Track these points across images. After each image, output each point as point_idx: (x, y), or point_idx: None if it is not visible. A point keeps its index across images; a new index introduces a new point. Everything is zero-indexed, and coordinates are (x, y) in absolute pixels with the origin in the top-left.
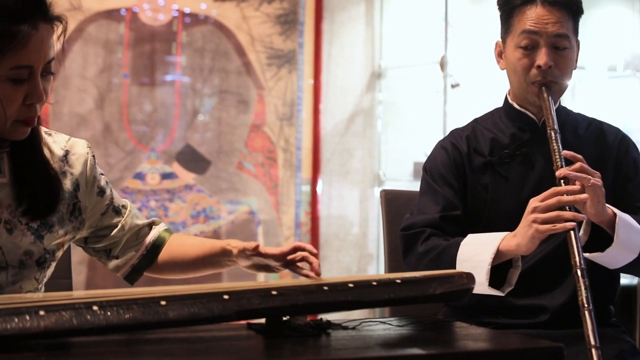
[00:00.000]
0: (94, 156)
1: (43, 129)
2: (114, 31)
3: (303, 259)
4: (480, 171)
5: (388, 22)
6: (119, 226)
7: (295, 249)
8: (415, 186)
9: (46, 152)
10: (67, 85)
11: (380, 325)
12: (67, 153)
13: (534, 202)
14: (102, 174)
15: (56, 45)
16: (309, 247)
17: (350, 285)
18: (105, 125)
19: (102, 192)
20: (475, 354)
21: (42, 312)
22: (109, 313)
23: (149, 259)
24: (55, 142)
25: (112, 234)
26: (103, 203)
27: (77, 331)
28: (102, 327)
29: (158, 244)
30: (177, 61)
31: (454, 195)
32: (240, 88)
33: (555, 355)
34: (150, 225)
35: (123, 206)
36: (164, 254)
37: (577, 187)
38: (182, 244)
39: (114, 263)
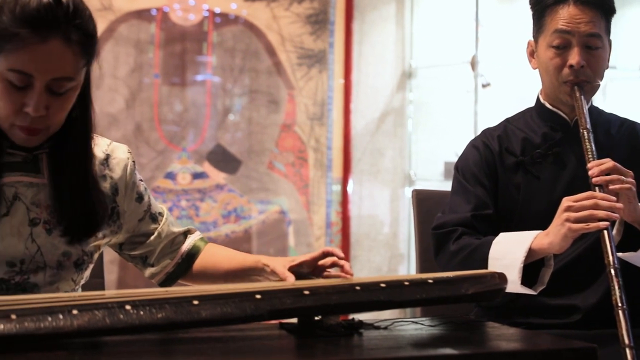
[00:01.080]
0: (134, 162)
1: None
2: (145, 31)
3: (333, 265)
4: (512, 171)
5: (419, 22)
6: (156, 234)
7: (325, 254)
8: (445, 186)
9: None
10: (98, 85)
11: (412, 325)
12: (107, 157)
13: (567, 201)
14: (141, 180)
15: (82, 67)
16: (338, 251)
17: (383, 285)
18: (136, 125)
19: (140, 198)
20: (507, 354)
21: (75, 312)
22: (141, 312)
23: (184, 268)
24: (97, 145)
25: (149, 241)
26: (141, 209)
27: (110, 330)
28: (134, 327)
29: (193, 253)
30: (208, 61)
31: (485, 194)
32: (270, 88)
33: (588, 355)
34: (185, 234)
35: (160, 213)
36: (197, 264)
37: (612, 198)
38: (214, 254)
39: (149, 271)
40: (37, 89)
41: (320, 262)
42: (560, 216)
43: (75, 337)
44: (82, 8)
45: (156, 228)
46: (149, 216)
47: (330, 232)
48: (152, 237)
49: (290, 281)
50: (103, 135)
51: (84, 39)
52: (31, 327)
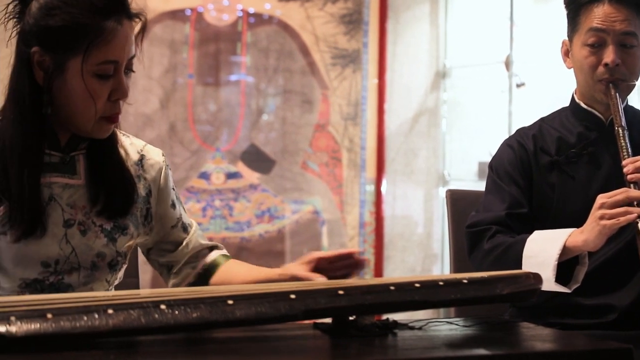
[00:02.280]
0: (168, 166)
1: (119, 131)
2: (179, 31)
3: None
4: (547, 170)
5: (453, 21)
6: (184, 244)
7: (341, 257)
8: (479, 186)
9: (121, 153)
10: (132, 85)
11: (446, 325)
12: (142, 157)
13: (601, 199)
14: (173, 189)
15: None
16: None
17: (417, 285)
18: (170, 125)
19: (174, 205)
20: (542, 355)
21: (110, 311)
22: (176, 312)
23: (203, 280)
24: (132, 144)
25: (177, 250)
26: (174, 216)
27: (145, 330)
28: (170, 326)
29: (213, 266)
30: (242, 61)
31: (520, 193)
32: (304, 88)
33: (624, 356)
34: (211, 248)
35: (189, 225)
36: (214, 278)
37: None
38: (231, 270)
39: (172, 282)
40: (121, 74)
41: (340, 263)
42: (594, 213)
43: (110, 337)
44: None
45: (185, 238)
46: (181, 225)
47: (363, 232)
48: (180, 247)
49: (321, 280)
50: (137, 136)
51: (136, 12)
52: (67, 327)
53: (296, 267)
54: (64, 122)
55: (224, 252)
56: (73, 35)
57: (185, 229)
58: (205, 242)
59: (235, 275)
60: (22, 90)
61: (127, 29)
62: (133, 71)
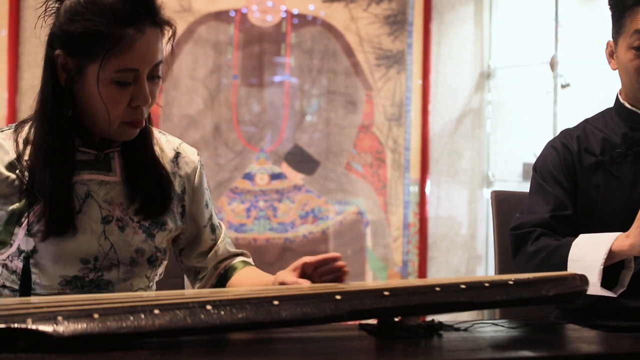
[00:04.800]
0: (202, 166)
1: (156, 129)
2: (224, 32)
3: (333, 271)
4: (591, 171)
5: (497, 22)
6: (212, 252)
7: (325, 261)
8: (524, 187)
9: (157, 150)
10: (177, 86)
11: (492, 327)
12: (177, 155)
13: None
14: (207, 188)
15: (165, 48)
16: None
17: (463, 286)
18: (214, 126)
19: (207, 205)
20: (587, 357)
21: (156, 311)
22: (222, 312)
23: (223, 281)
24: (168, 142)
25: (207, 258)
26: (206, 216)
27: (191, 330)
28: (215, 326)
29: (231, 269)
30: (286, 62)
31: (564, 195)
32: (348, 89)
33: None
34: (236, 255)
35: (218, 226)
36: (230, 281)
37: None
38: (241, 276)
39: (198, 285)
40: (142, 81)
41: (322, 269)
42: None
43: (156, 337)
44: None
45: (214, 240)
46: (210, 226)
47: (407, 233)
48: (210, 254)
49: (306, 285)
50: (182, 137)
51: (166, 21)
52: (113, 326)
53: (285, 273)
54: (90, 124)
55: (246, 259)
56: (92, 42)
57: (213, 229)
58: (232, 249)
59: (244, 281)
60: (47, 90)
61: (150, 37)
62: (159, 77)
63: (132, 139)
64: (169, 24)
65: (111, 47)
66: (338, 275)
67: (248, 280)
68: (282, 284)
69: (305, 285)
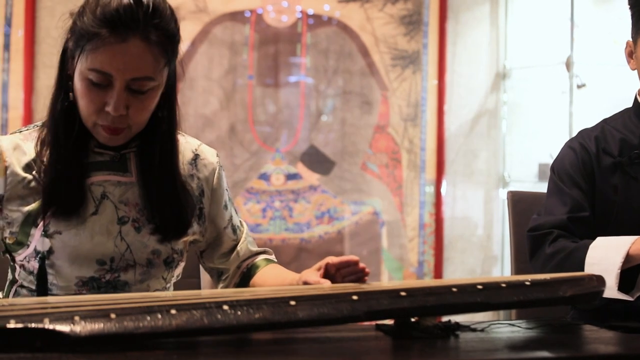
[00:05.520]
0: (221, 167)
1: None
2: (239, 33)
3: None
4: (610, 172)
5: (513, 22)
6: (234, 253)
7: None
8: (539, 187)
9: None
10: (192, 86)
11: (508, 327)
12: (196, 157)
13: None
14: (226, 190)
15: (163, 68)
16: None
17: (479, 287)
18: (230, 126)
19: (226, 206)
20: (605, 357)
21: (173, 311)
22: (239, 312)
23: (246, 280)
24: (187, 143)
25: (229, 259)
26: (226, 217)
27: (208, 330)
28: (232, 327)
29: (254, 267)
30: (302, 62)
31: (582, 196)
32: (364, 89)
33: None
34: (259, 253)
35: (239, 227)
36: (253, 279)
37: None
38: (265, 274)
39: (221, 285)
40: (116, 89)
41: (345, 270)
42: None
43: (173, 337)
44: (162, 8)
45: (236, 241)
46: (231, 227)
47: (423, 234)
48: (232, 256)
49: (327, 285)
50: (198, 137)
51: (164, 39)
52: (130, 326)
53: (309, 273)
54: None
55: (269, 256)
56: (80, 36)
57: (234, 230)
58: (255, 249)
59: (266, 280)
60: (58, 80)
61: (132, 49)
62: (142, 93)
63: (151, 138)
64: (163, 44)
65: (86, 42)
66: (360, 276)
67: (271, 278)
68: (305, 283)
69: (326, 285)
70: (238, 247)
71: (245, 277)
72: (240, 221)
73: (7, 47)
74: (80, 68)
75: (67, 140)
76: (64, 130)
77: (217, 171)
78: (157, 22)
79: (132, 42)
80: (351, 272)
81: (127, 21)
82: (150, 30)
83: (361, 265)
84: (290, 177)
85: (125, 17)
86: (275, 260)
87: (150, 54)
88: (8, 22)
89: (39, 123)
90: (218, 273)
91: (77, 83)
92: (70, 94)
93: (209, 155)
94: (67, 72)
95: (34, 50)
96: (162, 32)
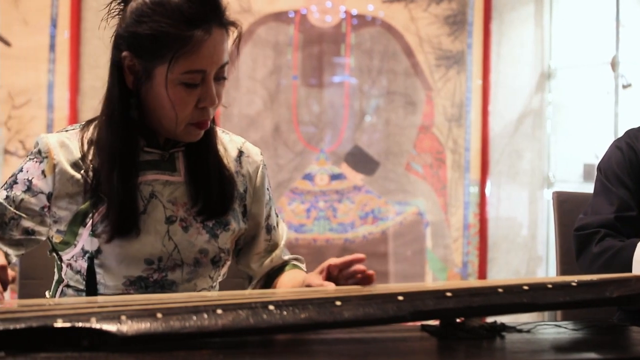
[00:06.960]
0: (265, 166)
1: (219, 129)
2: (284, 33)
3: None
4: None
5: (558, 22)
6: (268, 260)
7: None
8: (584, 188)
9: (221, 149)
10: (237, 86)
11: (554, 328)
12: (241, 154)
13: None
14: (268, 189)
15: (229, 49)
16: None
17: (525, 287)
18: (274, 126)
19: (268, 205)
20: None
21: (219, 311)
22: (285, 312)
23: (270, 281)
24: (232, 141)
25: (262, 266)
26: (265, 215)
27: (254, 330)
28: (278, 327)
29: (277, 270)
30: (346, 62)
31: (629, 195)
32: (408, 89)
33: None
34: (289, 260)
35: (274, 227)
36: (275, 281)
37: None
38: (285, 276)
39: (250, 287)
40: (209, 82)
41: (346, 272)
42: None
43: (219, 336)
44: None
45: (268, 240)
46: (266, 226)
47: (467, 234)
48: (265, 262)
49: (331, 288)
50: (242, 137)
51: (230, 20)
52: (176, 326)
53: (312, 276)
54: (156, 125)
55: (293, 262)
56: (159, 44)
57: (269, 230)
58: (287, 256)
59: (281, 282)
60: (113, 92)
61: (217, 38)
62: (225, 78)
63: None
64: (234, 24)
65: (179, 48)
66: (364, 277)
67: (284, 281)
68: (308, 286)
69: (330, 288)
70: (273, 255)
71: (269, 279)
72: (277, 223)
73: (52, 48)
74: (171, 77)
75: (122, 141)
76: (120, 134)
77: (260, 169)
78: (224, 7)
79: (216, 32)
80: (353, 273)
81: (209, 14)
82: (223, 16)
83: (361, 266)
84: (335, 177)
85: (208, 10)
86: (301, 266)
87: (227, 37)
88: (54, 23)
89: (83, 123)
90: (249, 277)
91: (168, 91)
92: (132, 105)
93: (253, 153)
94: (129, 87)
95: (80, 51)
96: (228, 15)
